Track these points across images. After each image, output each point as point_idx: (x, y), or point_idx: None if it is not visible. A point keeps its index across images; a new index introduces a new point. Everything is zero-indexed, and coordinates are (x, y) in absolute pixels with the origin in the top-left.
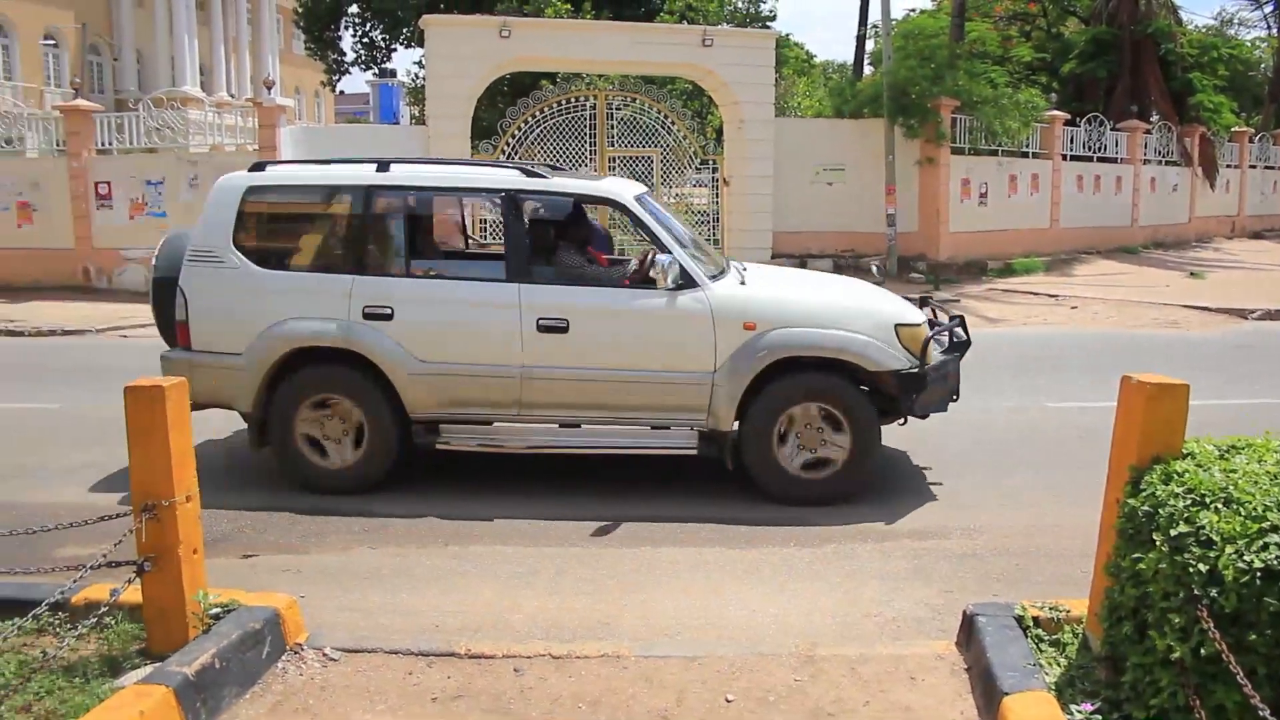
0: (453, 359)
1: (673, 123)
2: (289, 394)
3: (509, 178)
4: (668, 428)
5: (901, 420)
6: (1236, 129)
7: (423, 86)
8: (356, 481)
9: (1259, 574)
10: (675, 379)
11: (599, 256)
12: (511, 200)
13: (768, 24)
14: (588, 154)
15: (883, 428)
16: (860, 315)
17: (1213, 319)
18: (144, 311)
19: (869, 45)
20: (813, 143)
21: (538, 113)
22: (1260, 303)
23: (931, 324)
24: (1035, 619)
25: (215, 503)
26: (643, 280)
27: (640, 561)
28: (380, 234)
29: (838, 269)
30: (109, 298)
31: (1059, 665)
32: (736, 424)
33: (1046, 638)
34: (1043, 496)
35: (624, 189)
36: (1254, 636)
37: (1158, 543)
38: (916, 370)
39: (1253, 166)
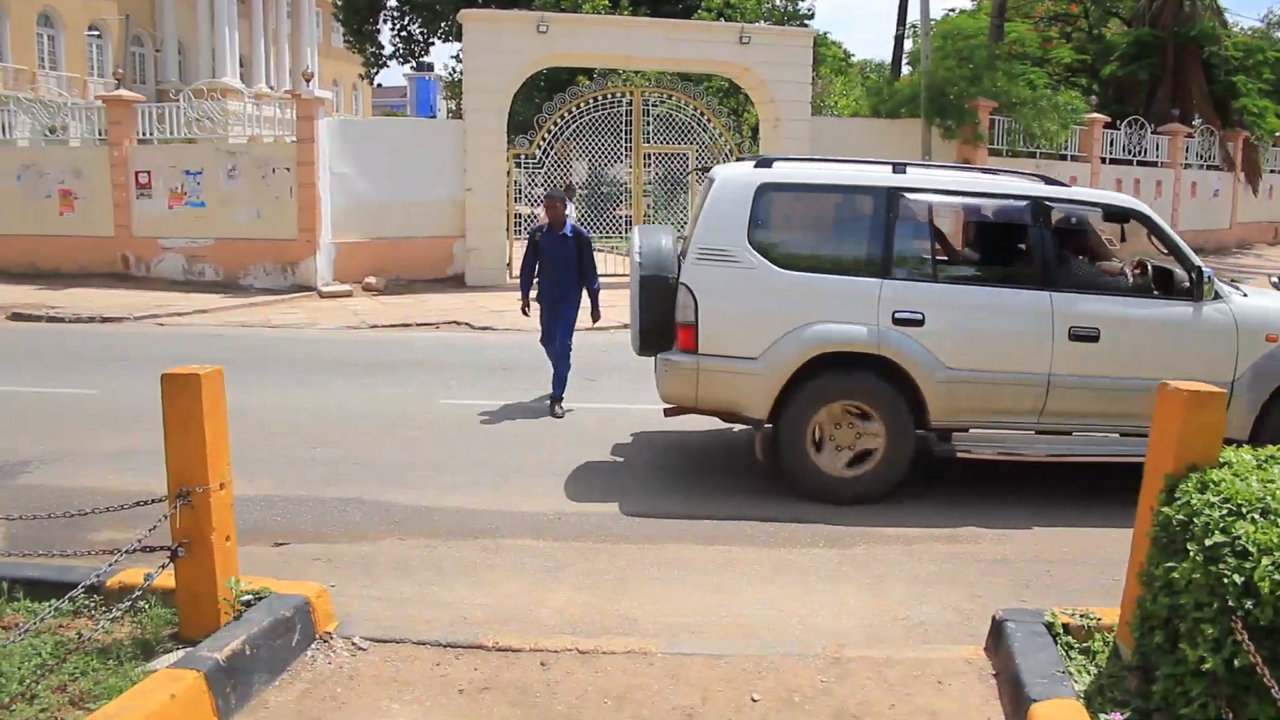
0: (981, 366)
1: (708, 120)
2: (808, 400)
3: (1034, 186)
4: None
5: None
6: None
7: (459, 80)
8: (871, 490)
9: None
10: None
11: (1107, 266)
12: (1039, 208)
13: (805, 22)
14: (623, 150)
15: None
16: None
17: None
18: (180, 300)
19: (907, 45)
20: (849, 142)
21: (574, 108)
22: None
23: None
24: (1065, 626)
25: (247, 490)
26: (1142, 289)
27: (667, 558)
28: (906, 238)
29: None
30: (147, 285)
31: (1088, 673)
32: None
33: (1076, 645)
34: (1077, 503)
35: (1138, 202)
36: None
37: (1192, 552)
38: None
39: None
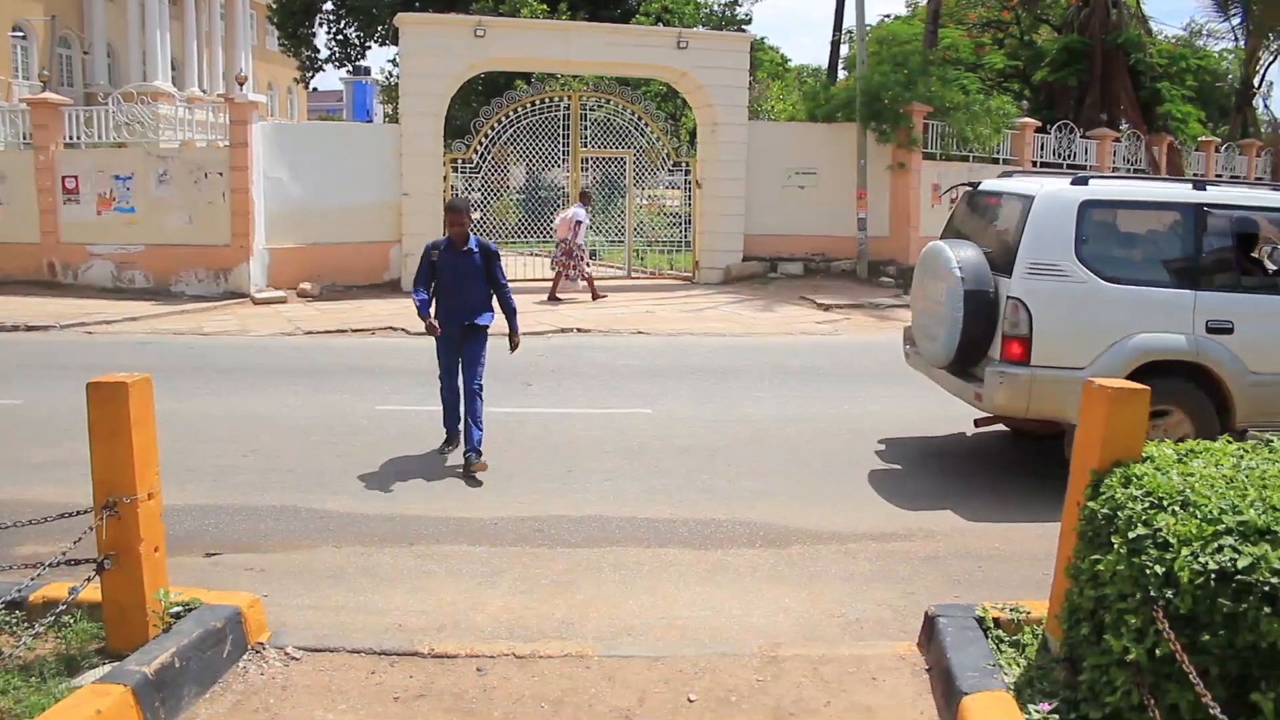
0: None
1: (646, 124)
2: None
3: None
4: None
5: None
6: (1203, 139)
7: (396, 84)
8: None
9: (1213, 576)
10: None
11: None
12: None
13: (743, 27)
14: (561, 154)
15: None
16: None
17: None
18: (109, 307)
19: (843, 50)
20: (786, 146)
21: (511, 112)
22: None
23: None
24: (996, 620)
25: (178, 500)
26: None
27: (606, 561)
28: (1213, 250)
29: (808, 272)
30: (75, 293)
31: (1018, 666)
32: None
33: (1007, 639)
34: (1007, 499)
35: None
36: (1207, 637)
37: (1116, 545)
38: None
39: (1219, 176)
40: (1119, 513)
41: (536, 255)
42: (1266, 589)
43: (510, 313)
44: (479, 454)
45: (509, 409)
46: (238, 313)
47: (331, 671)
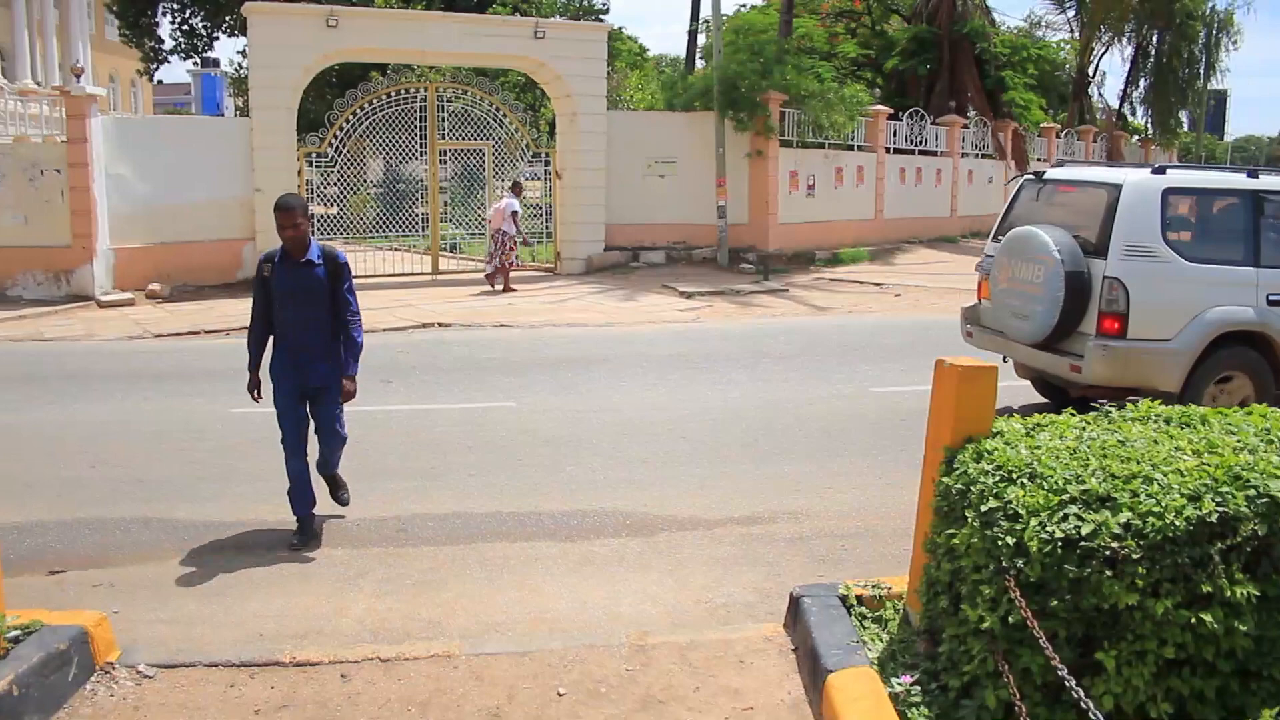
0: None
1: (505, 115)
2: (1205, 373)
3: None
4: None
5: None
6: (1045, 125)
7: (246, 77)
8: None
9: (1060, 543)
10: None
11: None
12: None
13: (600, 17)
14: (419, 146)
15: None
16: None
17: None
18: None
19: (700, 39)
20: (645, 135)
21: (366, 105)
22: None
23: None
24: (859, 597)
25: (17, 517)
26: None
27: (472, 558)
28: (1269, 230)
29: (670, 261)
30: None
31: (881, 641)
32: None
33: (869, 615)
34: (867, 479)
35: None
36: (1055, 602)
37: (970, 519)
38: None
39: (1060, 160)
40: (972, 487)
41: (397, 250)
42: (1108, 553)
43: (352, 348)
44: (342, 486)
45: (369, 407)
46: (81, 316)
47: (188, 687)
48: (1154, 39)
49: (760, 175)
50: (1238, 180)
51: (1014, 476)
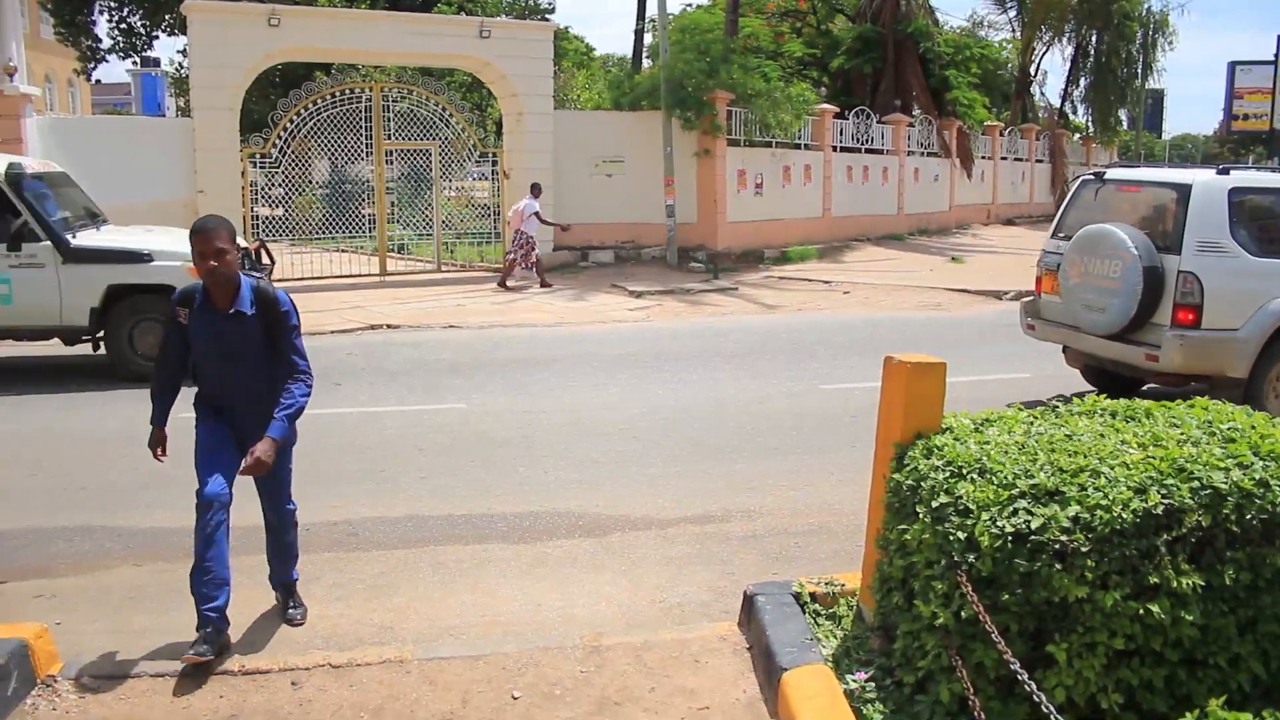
0: None
1: (451, 115)
2: (1269, 360)
3: None
4: None
5: None
6: (989, 123)
7: (188, 76)
8: None
9: (1010, 538)
10: None
11: None
12: None
13: (546, 16)
14: (365, 147)
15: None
16: None
17: (972, 300)
18: None
19: (647, 39)
20: (592, 135)
21: (311, 105)
22: (1013, 284)
23: None
24: (813, 595)
25: None
26: None
27: (424, 561)
28: None
29: (619, 260)
30: None
31: (835, 638)
32: None
33: (823, 612)
34: (819, 477)
35: None
36: (1006, 596)
37: (921, 514)
38: None
39: (1004, 158)
40: (922, 483)
41: (345, 251)
42: (1057, 546)
43: (290, 405)
44: (299, 604)
45: (317, 410)
46: None
47: (133, 699)
48: (1093, 39)
49: (708, 174)
50: None
51: (964, 472)
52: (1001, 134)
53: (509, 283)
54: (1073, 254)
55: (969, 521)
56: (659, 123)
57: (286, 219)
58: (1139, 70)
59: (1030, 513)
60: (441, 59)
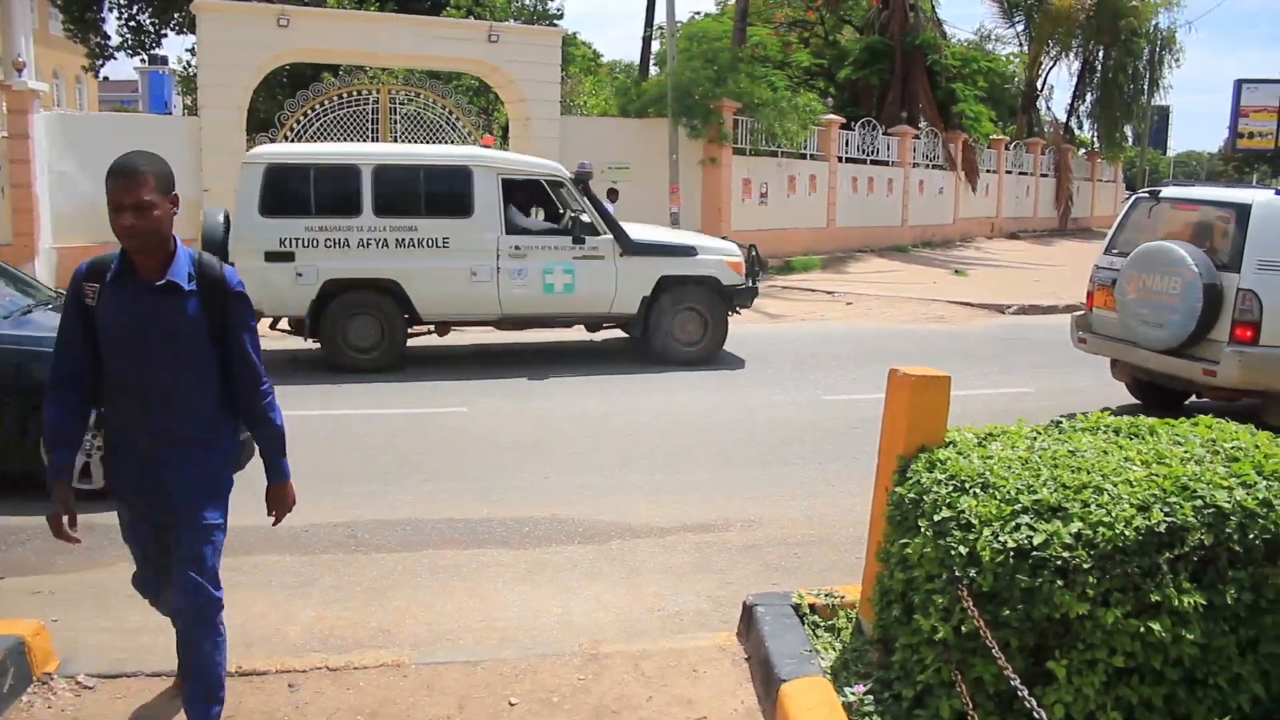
0: None
1: (458, 119)
2: None
3: None
4: None
5: None
6: (994, 137)
7: (195, 75)
8: None
9: (1012, 553)
10: None
11: None
12: None
13: (555, 22)
14: None
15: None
16: None
17: (975, 313)
18: None
19: (654, 46)
20: (598, 141)
21: (318, 105)
22: (1016, 298)
23: None
24: (812, 606)
25: None
26: None
27: (423, 565)
28: None
29: None
30: None
31: (834, 650)
32: None
33: (823, 624)
34: (820, 487)
35: None
36: (1007, 611)
37: (923, 528)
38: None
39: (1009, 172)
40: (925, 496)
41: None
42: (1059, 563)
43: (271, 438)
44: None
45: (318, 411)
46: None
47: (129, 698)
48: (1100, 55)
49: (713, 182)
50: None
51: (967, 486)
52: (1007, 148)
53: None
54: (1130, 270)
55: (971, 536)
56: (665, 130)
57: None
58: (1145, 86)
59: (1033, 528)
60: (449, 62)
